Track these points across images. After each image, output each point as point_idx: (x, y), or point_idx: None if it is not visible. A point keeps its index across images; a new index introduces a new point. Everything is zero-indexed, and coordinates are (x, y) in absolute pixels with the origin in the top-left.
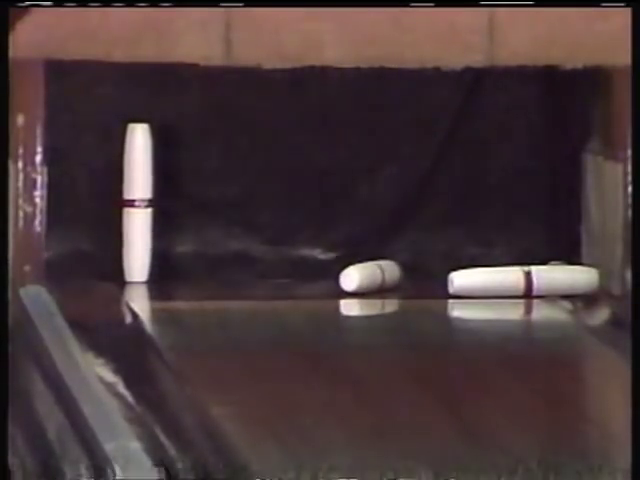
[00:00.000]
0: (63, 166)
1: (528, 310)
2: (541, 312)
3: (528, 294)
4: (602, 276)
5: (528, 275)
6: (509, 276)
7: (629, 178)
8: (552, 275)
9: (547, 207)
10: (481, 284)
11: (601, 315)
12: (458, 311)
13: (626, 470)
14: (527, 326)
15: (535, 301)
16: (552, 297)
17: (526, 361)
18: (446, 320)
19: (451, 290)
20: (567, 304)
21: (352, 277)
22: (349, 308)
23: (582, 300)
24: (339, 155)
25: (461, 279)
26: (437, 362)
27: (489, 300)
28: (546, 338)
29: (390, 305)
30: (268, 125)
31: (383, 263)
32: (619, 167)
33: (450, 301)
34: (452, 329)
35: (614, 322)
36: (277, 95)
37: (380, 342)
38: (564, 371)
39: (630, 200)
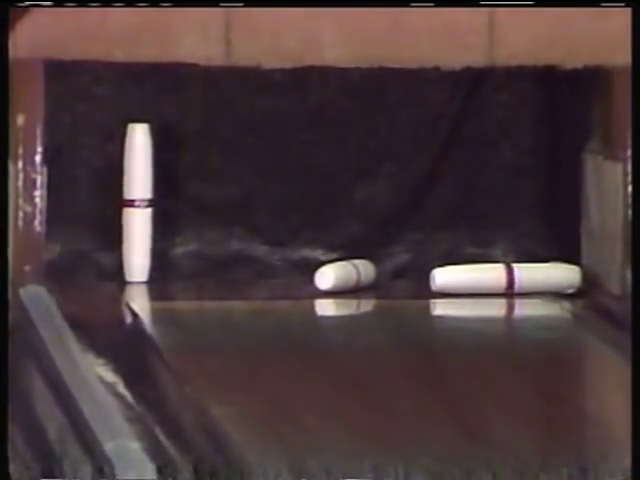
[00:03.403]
0: (63, 166)
1: (518, 308)
2: (537, 310)
3: (510, 291)
4: (602, 276)
5: (510, 272)
6: (491, 273)
7: (629, 178)
8: (534, 272)
9: (547, 207)
10: (463, 281)
11: (596, 312)
12: (453, 310)
13: (626, 470)
14: (518, 324)
15: (533, 300)
16: (550, 295)
17: (515, 358)
18: (445, 320)
19: (433, 287)
20: (566, 303)
21: (327, 276)
22: (337, 308)
23: (576, 298)
24: (339, 155)
25: (443, 276)
26: (436, 363)
27: (488, 299)
28: (540, 337)
29: (389, 305)
30: (268, 125)
31: (358, 262)
32: (619, 167)
33: (445, 301)
34: (451, 329)
35: (609, 319)
36: (277, 95)
37: (378, 342)
38: (559, 368)
39: (630, 200)
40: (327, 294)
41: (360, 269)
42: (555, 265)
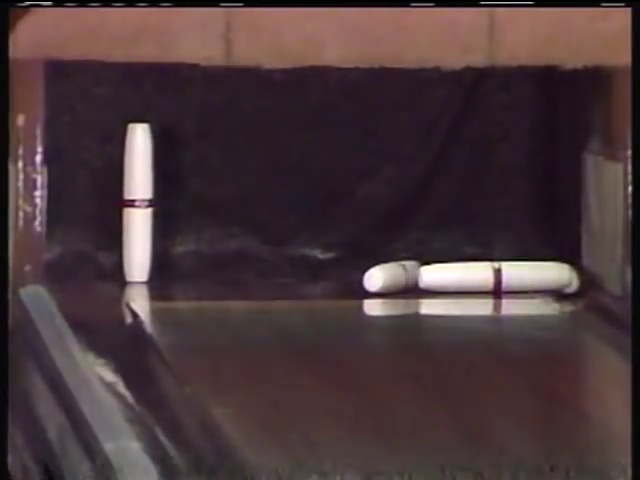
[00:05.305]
0: (63, 166)
1: (518, 307)
2: (538, 309)
3: (497, 290)
4: (602, 276)
5: (498, 271)
6: (479, 271)
7: (629, 178)
8: (522, 271)
9: (547, 207)
10: (450, 279)
11: (595, 312)
12: (442, 310)
13: (626, 470)
14: (519, 324)
15: (532, 299)
16: (549, 295)
17: (514, 358)
18: (435, 319)
19: (421, 284)
20: (565, 303)
21: (376, 277)
22: (335, 307)
23: (575, 298)
24: (339, 155)
25: (430, 274)
26: (432, 364)
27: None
28: (541, 336)
29: (384, 304)
30: (268, 125)
31: (407, 263)
32: (619, 167)
33: (445, 300)
34: (441, 328)
35: (609, 319)
36: (277, 95)
37: (380, 342)
38: (557, 367)
39: (630, 200)
40: (330, 294)
41: (409, 270)
42: (545, 264)
